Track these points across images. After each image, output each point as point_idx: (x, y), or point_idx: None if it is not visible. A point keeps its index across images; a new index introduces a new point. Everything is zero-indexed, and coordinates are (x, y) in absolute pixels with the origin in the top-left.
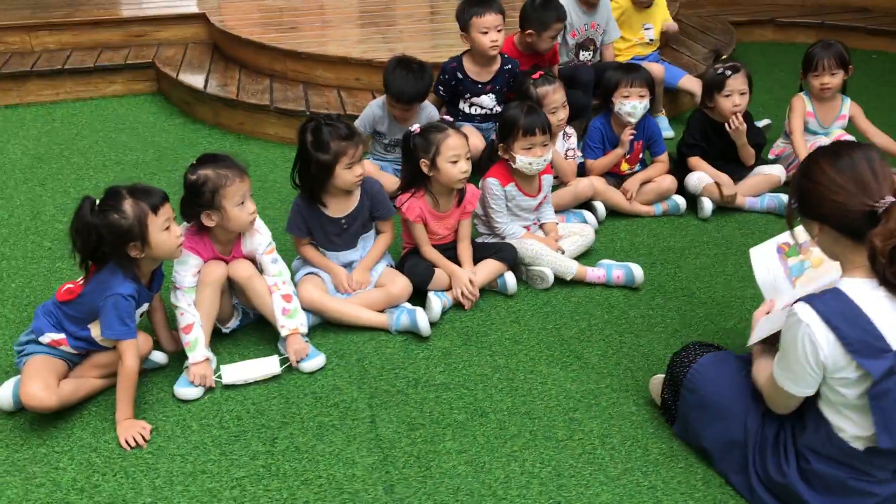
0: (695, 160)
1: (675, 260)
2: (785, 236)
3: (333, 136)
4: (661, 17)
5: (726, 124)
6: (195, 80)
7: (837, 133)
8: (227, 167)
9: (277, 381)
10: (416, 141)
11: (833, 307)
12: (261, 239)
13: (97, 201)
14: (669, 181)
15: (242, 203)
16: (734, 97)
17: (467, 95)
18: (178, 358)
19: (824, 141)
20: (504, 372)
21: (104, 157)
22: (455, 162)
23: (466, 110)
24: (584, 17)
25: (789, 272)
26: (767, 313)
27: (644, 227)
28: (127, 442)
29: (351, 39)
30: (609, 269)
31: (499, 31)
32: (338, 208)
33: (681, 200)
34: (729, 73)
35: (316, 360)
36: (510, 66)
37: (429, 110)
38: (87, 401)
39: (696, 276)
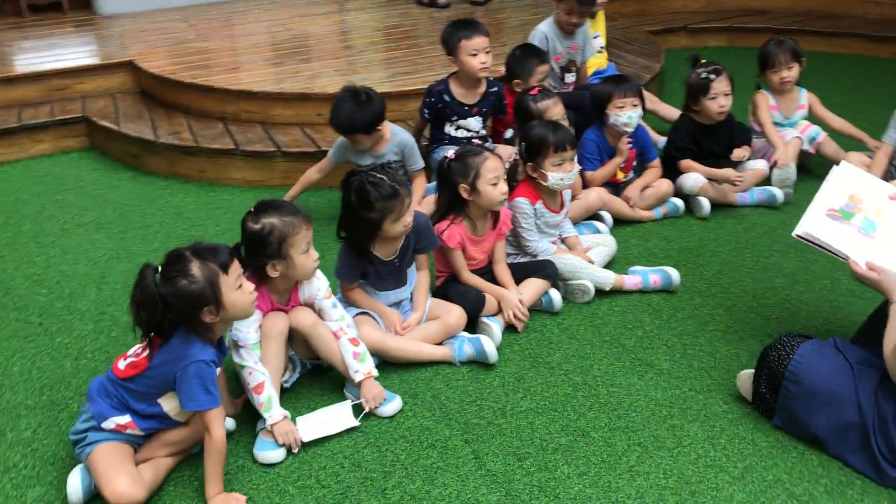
0: (686, 163)
1: (695, 260)
2: (819, 207)
3: (377, 197)
4: (603, 26)
5: None
6: (140, 130)
7: (801, 123)
8: (292, 214)
9: (360, 429)
10: (452, 166)
11: None
12: (319, 284)
13: (159, 268)
14: (667, 185)
15: (307, 251)
16: (719, 99)
17: (454, 118)
18: (245, 421)
19: (790, 131)
20: (585, 389)
21: (60, 221)
22: (495, 184)
23: (452, 133)
24: (564, 41)
25: (862, 230)
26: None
27: (651, 231)
28: None
29: (304, 75)
30: (645, 275)
31: (487, 52)
32: (388, 251)
33: (679, 202)
34: (713, 76)
35: (394, 404)
36: (496, 88)
37: (401, 136)
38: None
39: (720, 272)
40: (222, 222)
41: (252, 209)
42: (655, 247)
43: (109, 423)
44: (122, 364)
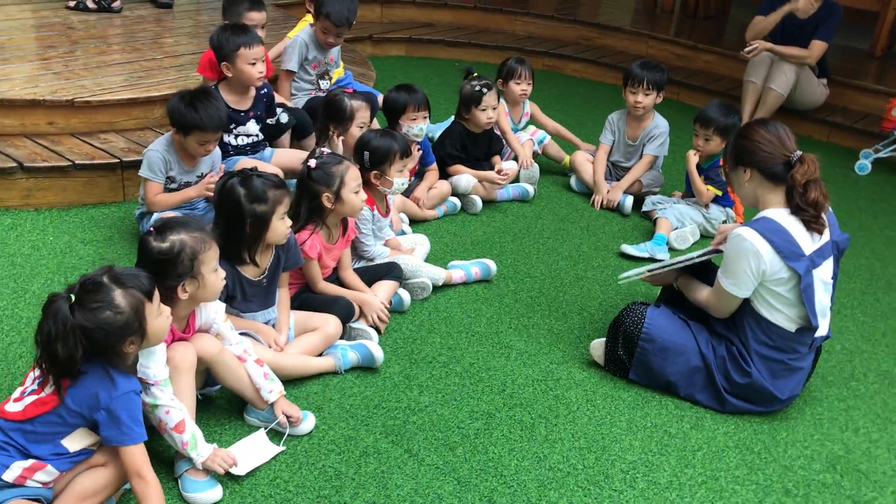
0: (456, 167)
1: (489, 251)
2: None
3: (268, 186)
4: None
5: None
6: None
7: (529, 128)
8: (199, 230)
9: (285, 451)
10: (314, 174)
11: (767, 226)
12: (216, 307)
13: (72, 297)
14: (447, 186)
15: (216, 269)
16: (489, 111)
17: (232, 126)
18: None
19: (522, 135)
20: (468, 376)
21: None
22: (357, 192)
23: (234, 142)
24: (322, 53)
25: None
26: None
27: (439, 229)
28: None
29: (16, 79)
30: (467, 269)
31: (262, 62)
32: (257, 270)
33: (457, 201)
34: (485, 90)
35: (309, 420)
36: (266, 89)
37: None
38: None
39: (516, 260)
40: None
41: (152, 229)
42: (452, 242)
43: (12, 473)
44: (15, 406)
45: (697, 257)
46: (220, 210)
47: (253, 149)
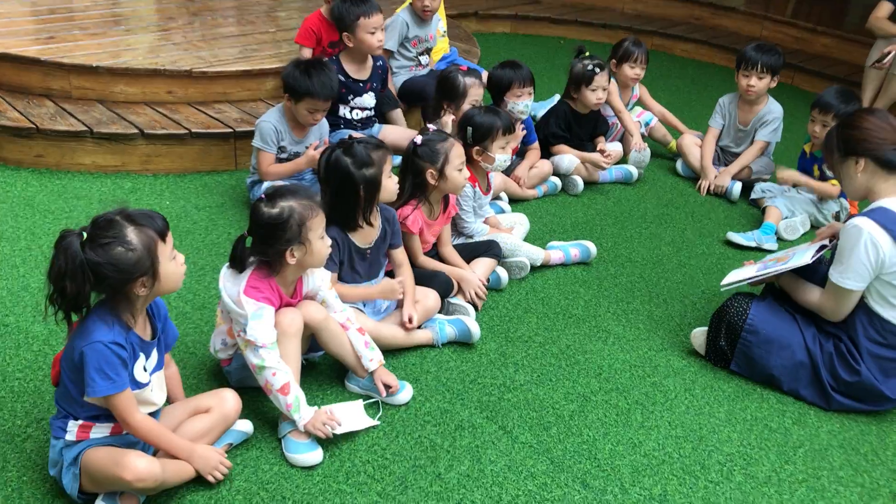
0: (560, 147)
1: (589, 233)
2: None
3: (370, 148)
4: (443, 10)
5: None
6: None
7: (636, 109)
8: (308, 197)
9: (382, 419)
10: (420, 151)
11: (885, 216)
12: (322, 274)
13: (84, 234)
14: (548, 165)
15: (323, 236)
16: (598, 92)
17: (350, 97)
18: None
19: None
20: (565, 358)
21: None
22: (461, 169)
23: (348, 115)
24: (421, 29)
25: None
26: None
27: (539, 209)
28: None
29: (139, 49)
30: (566, 250)
31: (382, 30)
32: (365, 238)
33: (557, 181)
34: (598, 70)
35: (407, 391)
36: (380, 62)
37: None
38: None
39: (616, 244)
40: (93, 215)
41: (263, 196)
42: (551, 223)
43: (71, 431)
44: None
45: (808, 260)
46: (328, 181)
47: (363, 124)
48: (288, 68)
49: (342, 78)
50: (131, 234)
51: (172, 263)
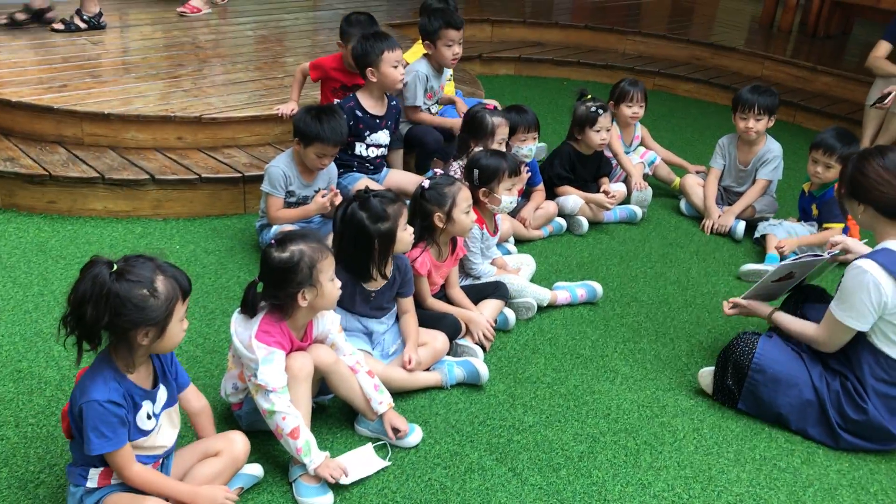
0: (564, 188)
1: (594, 273)
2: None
3: (385, 203)
4: None
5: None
6: None
7: (639, 149)
8: (317, 241)
9: (392, 461)
10: (427, 194)
11: (888, 259)
12: (332, 317)
13: (115, 266)
14: (553, 206)
15: (333, 278)
16: (602, 133)
17: (366, 133)
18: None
19: (632, 157)
20: (573, 399)
21: None
22: (468, 212)
23: (364, 153)
24: (437, 80)
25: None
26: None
27: (545, 249)
28: None
29: (151, 95)
30: (572, 290)
31: (404, 65)
32: (374, 283)
33: (563, 222)
34: (601, 112)
35: (417, 433)
36: (395, 101)
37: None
38: None
39: (622, 284)
40: None
41: (273, 241)
42: (557, 263)
43: (93, 478)
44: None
45: (825, 256)
46: (344, 235)
47: (376, 166)
48: (299, 113)
49: (359, 114)
50: (159, 281)
51: (179, 325)
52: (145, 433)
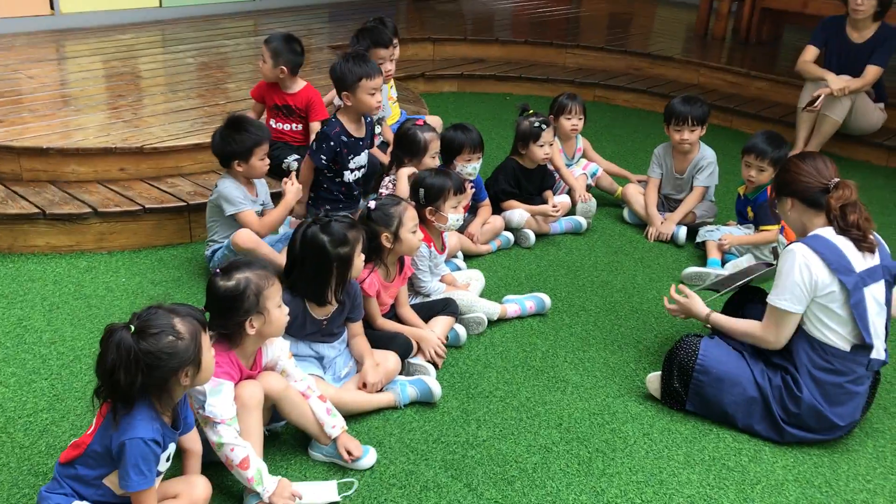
0: (510, 202)
1: (542, 285)
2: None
3: (345, 228)
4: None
5: None
6: None
7: (581, 161)
8: (262, 267)
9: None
10: (373, 215)
11: (818, 242)
12: (282, 344)
13: (133, 327)
14: (500, 221)
15: (280, 304)
16: (546, 147)
17: (350, 157)
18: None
19: (575, 169)
20: (525, 411)
21: None
22: (414, 231)
23: (348, 178)
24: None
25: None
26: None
27: (493, 263)
28: None
29: (90, 128)
30: (521, 303)
31: (380, 91)
32: (323, 310)
33: (510, 235)
34: (544, 126)
35: (371, 455)
36: (370, 119)
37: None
38: None
39: (570, 294)
40: (48, 296)
41: (218, 270)
42: (506, 276)
43: None
44: (67, 451)
45: (761, 273)
46: (304, 256)
47: (352, 193)
48: (218, 142)
49: (345, 139)
50: (178, 324)
51: (209, 354)
52: (160, 474)
